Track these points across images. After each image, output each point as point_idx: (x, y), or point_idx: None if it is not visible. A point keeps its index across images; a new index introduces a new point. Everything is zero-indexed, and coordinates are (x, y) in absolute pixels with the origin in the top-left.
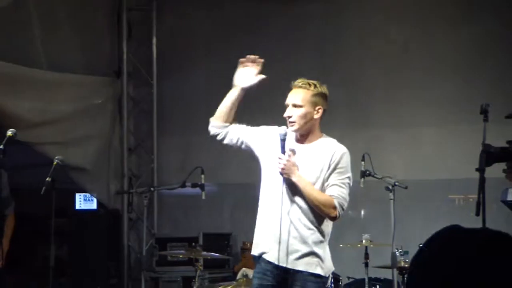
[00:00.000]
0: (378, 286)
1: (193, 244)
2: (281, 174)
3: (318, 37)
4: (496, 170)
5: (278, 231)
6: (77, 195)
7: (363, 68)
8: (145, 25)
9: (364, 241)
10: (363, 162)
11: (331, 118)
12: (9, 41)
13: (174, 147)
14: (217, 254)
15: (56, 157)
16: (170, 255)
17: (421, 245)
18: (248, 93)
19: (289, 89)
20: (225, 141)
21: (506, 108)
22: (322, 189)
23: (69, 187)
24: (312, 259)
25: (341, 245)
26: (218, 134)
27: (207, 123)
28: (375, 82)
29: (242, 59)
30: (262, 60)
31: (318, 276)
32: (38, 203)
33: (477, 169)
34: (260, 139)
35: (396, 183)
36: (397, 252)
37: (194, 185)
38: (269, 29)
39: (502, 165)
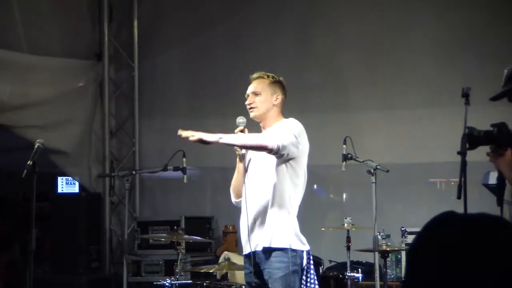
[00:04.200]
0: (359, 270)
1: (175, 227)
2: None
3: (296, 20)
4: (478, 154)
5: (245, 221)
6: (59, 179)
7: (342, 51)
8: (126, 7)
9: (346, 224)
10: (344, 146)
11: (311, 102)
12: None
13: (155, 130)
14: (199, 238)
15: (38, 140)
16: (152, 239)
17: (402, 228)
18: (223, 80)
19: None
20: None
21: (489, 90)
22: (279, 162)
23: (51, 171)
24: (268, 234)
25: (323, 229)
26: (239, 204)
27: (188, 106)
28: (355, 65)
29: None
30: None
31: (276, 249)
32: (19, 187)
33: (458, 153)
34: None
35: (378, 167)
36: (379, 236)
37: (175, 169)
38: (248, 13)
39: (485, 148)
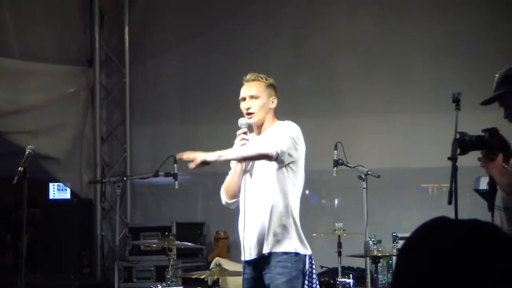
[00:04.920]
0: (351, 275)
1: (166, 233)
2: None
3: (290, 24)
4: (469, 159)
5: (244, 226)
6: (51, 185)
7: (335, 56)
8: (117, 13)
9: (337, 230)
10: (335, 151)
11: (303, 107)
12: None
13: (146, 136)
14: (190, 244)
15: (28, 146)
16: (143, 245)
17: (394, 234)
18: (215, 85)
19: (242, 84)
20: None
21: (480, 96)
22: (280, 165)
23: (42, 177)
24: (271, 239)
25: (314, 234)
26: (231, 205)
27: (180, 112)
28: (349, 70)
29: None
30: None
31: (279, 254)
32: (11, 193)
33: (449, 158)
34: None
35: (369, 172)
36: (370, 241)
37: (167, 175)
38: (241, 17)
39: (476, 154)
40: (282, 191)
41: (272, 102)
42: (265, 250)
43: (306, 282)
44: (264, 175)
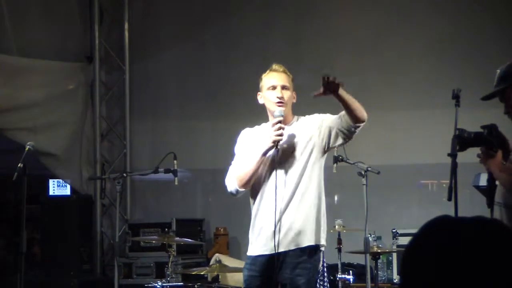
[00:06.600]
0: (351, 271)
1: (166, 229)
2: (276, 142)
3: (289, 22)
4: (469, 155)
5: (273, 221)
6: (51, 181)
7: (334, 53)
8: (117, 10)
9: (337, 226)
10: (335, 148)
11: (303, 104)
12: None
13: (146, 132)
14: (190, 240)
15: (28, 143)
16: (143, 241)
17: (393, 230)
18: (214, 82)
19: (262, 72)
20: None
21: (479, 92)
22: (317, 154)
23: (42, 173)
24: (303, 235)
25: None
26: (240, 193)
27: (180, 108)
28: (347, 67)
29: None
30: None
31: (305, 250)
32: (11, 189)
33: (449, 154)
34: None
35: (369, 169)
36: (370, 237)
37: (166, 171)
38: (241, 13)
39: (475, 150)
40: (317, 182)
41: (294, 97)
42: (291, 246)
43: (318, 280)
44: (301, 166)
